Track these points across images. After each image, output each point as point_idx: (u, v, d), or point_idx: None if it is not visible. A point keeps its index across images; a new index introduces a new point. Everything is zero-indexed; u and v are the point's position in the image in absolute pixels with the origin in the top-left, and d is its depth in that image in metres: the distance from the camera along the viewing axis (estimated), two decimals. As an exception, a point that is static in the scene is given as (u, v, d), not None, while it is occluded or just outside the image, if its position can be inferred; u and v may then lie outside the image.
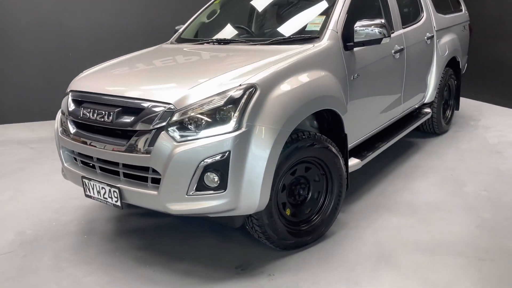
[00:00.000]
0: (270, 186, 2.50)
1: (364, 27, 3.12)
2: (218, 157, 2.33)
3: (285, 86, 2.62)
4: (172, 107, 2.41)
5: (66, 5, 6.67)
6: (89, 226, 3.42)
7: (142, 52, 3.60)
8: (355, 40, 3.17)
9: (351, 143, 3.40)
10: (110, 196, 2.63)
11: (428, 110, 4.82)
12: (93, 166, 2.80)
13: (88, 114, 2.69)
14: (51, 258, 2.99)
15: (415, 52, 4.26)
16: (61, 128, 2.95)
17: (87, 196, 2.81)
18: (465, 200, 3.53)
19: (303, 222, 2.90)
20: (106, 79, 3.01)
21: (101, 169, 2.75)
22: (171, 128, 2.38)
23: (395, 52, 3.82)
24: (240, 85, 2.46)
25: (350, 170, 3.32)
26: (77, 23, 6.80)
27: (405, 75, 4.09)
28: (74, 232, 3.34)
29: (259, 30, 3.71)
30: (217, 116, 2.39)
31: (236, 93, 2.42)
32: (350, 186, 3.78)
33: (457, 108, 5.67)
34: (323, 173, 2.97)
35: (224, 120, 2.38)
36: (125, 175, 2.63)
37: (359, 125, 3.46)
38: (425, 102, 4.84)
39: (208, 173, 2.38)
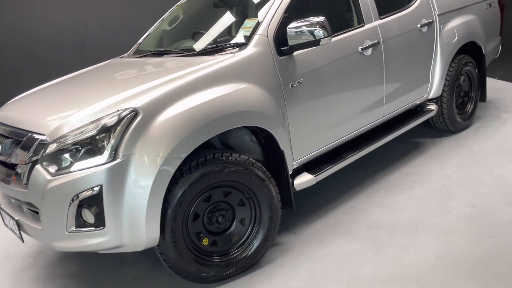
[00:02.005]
0: (158, 219, 2.27)
1: (298, 29, 2.74)
2: (90, 192, 2.15)
3: (179, 107, 2.35)
4: (45, 139, 2.26)
5: (83, 17, 6.84)
6: (42, 247, 3.42)
7: (86, 69, 3.50)
8: (290, 44, 2.79)
9: (302, 157, 3.05)
10: (14, 227, 2.57)
11: (432, 107, 4.21)
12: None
13: None
14: (-12, 284, 3.02)
15: (401, 44, 3.71)
16: None
17: (5, 225, 2.78)
18: (441, 219, 3.00)
19: (218, 254, 2.62)
20: (18, 106, 2.95)
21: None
22: (45, 161, 2.24)
23: (365, 49, 3.34)
24: (118, 110, 2.24)
25: (300, 188, 2.98)
26: (94, 33, 6.94)
27: (386, 72, 3.58)
28: (26, 254, 3.36)
29: (200, 37, 3.42)
30: (91, 146, 2.20)
31: (111, 120, 2.21)
32: (316, 201, 3.47)
33: (484, 100, 4.92)
34: (248, 197, 2.67)
35: (97, 150, 2.19)
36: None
37: (311, 137, 3.07)
38: (429, 97, 4.24)
39: (84, 209, 2.21)
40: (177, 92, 2.39)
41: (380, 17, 3.58)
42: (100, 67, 3.49)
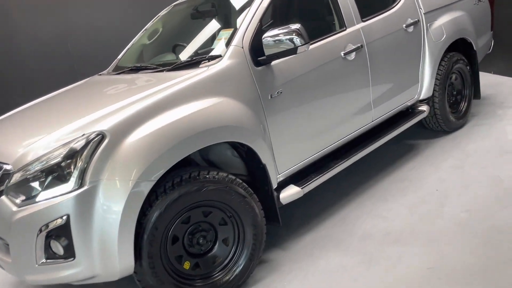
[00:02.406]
0: (131, 246, 2.17)
1: (274, 37, 2.64)
2: (57, 222, 2.05)
3: (149, 127, 2.25)
4: (9, 168, 2.17)
5: (70, 33, 6.77)
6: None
7: (61, 90, 3.40)
8: (267, 54, 2.69)
9: (287, 169, 2.95)
10: (-13, 260, 2.47)
11: (423, 108, 4.09)
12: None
13: None
14: (-31, 317, 2.92)
15: (386, 46, 3.60)
16: None
17: (-20, 257, 2.68)
18: (435, 227, 2.88)
19: (200, 277, 2.50)
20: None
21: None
22: (11, 191, 2.15)
23: (347, 53, 3.23)
24: (83, 135, 2.15)
25: (287, 201, 2.87)
26: (83, 49, 6.87)
27: (372, 76, 3.47)
28: (10, 282, 3.26)
29: (180, 50, 3.33)
30: (57, 174, 2.10)
31: (76, 146, 2.11)
32: (305, 213, 3.37)
33: (478, 97, 4.80)
34: (230, 216, 2.56)
35: (63, 178, 2.09)
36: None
37: (295, 148, 2.97)
38: (421, 98, 4.13)
39: (53, 240, 2.10)
40: (146, 112, 2.28)
41: (363, 19, 3.47)
42: (74, 88, 3.39)
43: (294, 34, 2.62)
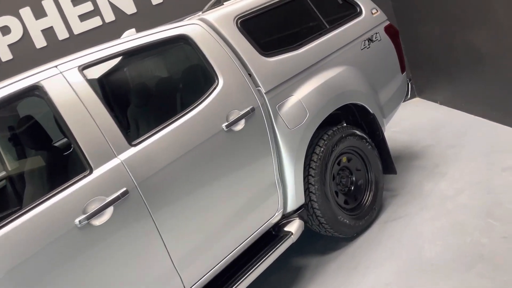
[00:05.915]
0: None
1: None
2: None
3: None
4: None
5: None
6: None
7: None
8: None
9: None
10: None
11: (291, 227, 2.78)
12: None
13: None
14: None
15: (190, 170, 2.31)
16: None
17: None
18: None
19: None
20: None
21: None
22: None
23: (87, 219, 1.94)
24: None
25: None
26: None
27: (162, 228, 2.17)
28: None
29: None
30: None
31: None
32: None
33: (393, 172, 3.47)
34: None
35: None
36: None
37: None
38: (289, 211, 2.84)
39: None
40: None
41: (133, 143, 2.18)
42: None
43: None
